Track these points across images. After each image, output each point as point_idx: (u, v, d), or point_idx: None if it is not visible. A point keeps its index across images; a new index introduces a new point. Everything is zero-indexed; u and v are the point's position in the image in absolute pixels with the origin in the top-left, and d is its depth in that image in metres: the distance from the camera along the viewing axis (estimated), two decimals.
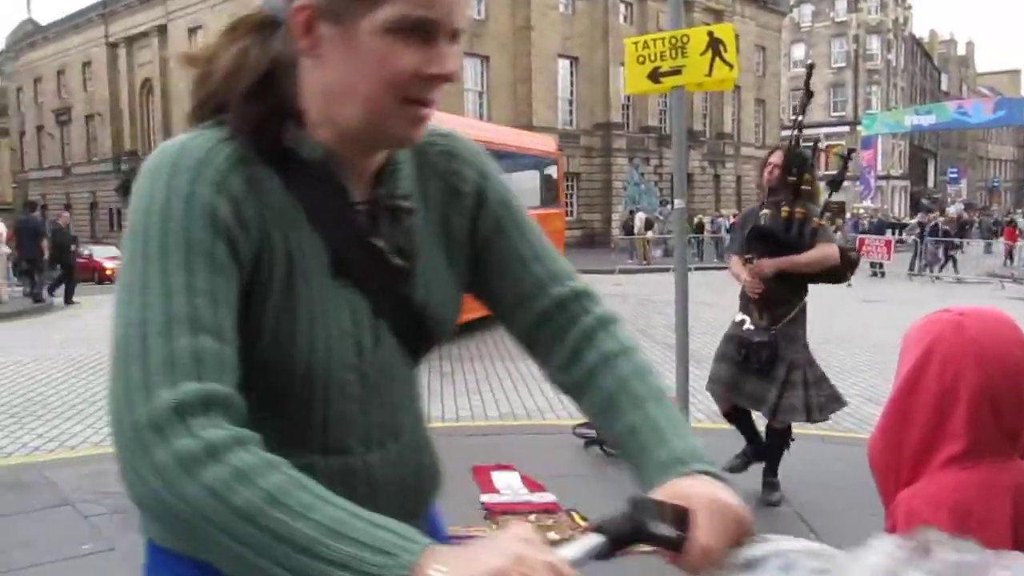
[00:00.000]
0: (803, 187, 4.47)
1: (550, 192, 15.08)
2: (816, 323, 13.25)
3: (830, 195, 4.94)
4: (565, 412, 6.96)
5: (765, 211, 4.51)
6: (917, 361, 1.32)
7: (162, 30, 46.37)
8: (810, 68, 4.96)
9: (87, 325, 13.60)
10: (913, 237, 24.40)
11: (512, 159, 13.16)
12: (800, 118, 4.81)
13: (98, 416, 6.73)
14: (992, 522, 1.24)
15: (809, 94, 4.88)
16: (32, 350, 10.38)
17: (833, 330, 11.86)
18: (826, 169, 62.64)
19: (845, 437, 6.28)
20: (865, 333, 11.73)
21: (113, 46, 50.64)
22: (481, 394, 7.66)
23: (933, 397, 1.30)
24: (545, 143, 15.92)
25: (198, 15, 43.36)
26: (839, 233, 26.39)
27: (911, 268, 23.25)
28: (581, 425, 5.83)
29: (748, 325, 4.55)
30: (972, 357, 1.28)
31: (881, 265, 23.10)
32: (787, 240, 4.41)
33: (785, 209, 4.44)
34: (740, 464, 4.81)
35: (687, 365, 5.38)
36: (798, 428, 6.50)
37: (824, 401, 4.63)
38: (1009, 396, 1.27)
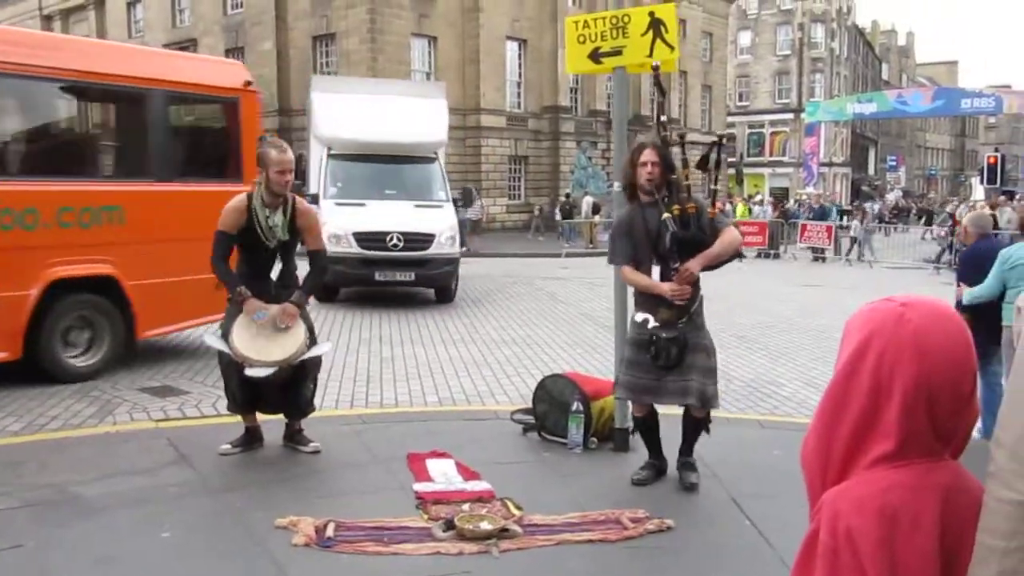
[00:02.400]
0: (684, 182, 4.49)
1: (211, 159, 8.54)
2: (759, 308, 13.37)
3: (714, 179, 4.85)
4: (505, 397, 6.89)
5: (667, 215, 4.38)
6: (853, 353, 1.24)
7: (99, 3, 44.89)
8: (656, 69, 4.84)
9: None
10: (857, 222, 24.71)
11: (134, 99, 7.67)
12: (662, 117, 4.75)
13: (19, 404, 6.44)
14: (921, 526, 1.17)
15: (662, 92, 4.77)
16: None
17: (774, 315, 11.99)
18: (771, 155, 62.52)
19: (783, 422, 6.32)
20: (804, 318, 11.87)
21: (48, 19, 48.88)
22: (420, 379, 7.52)
23: (866, 391, 1.21)
24: (214, 73, 8.38)
25: None
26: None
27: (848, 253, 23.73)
28: (519, 411, 5.76)
29: (652, 323, 4.48)
30: (910, 351, 1.19)
31: (823, 251, 23.47)
32: (699, 238, 4.40)
33: (677, 207, 4.40)
34: (651, 476, 4.72)
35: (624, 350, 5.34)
36: (737, 414, 6.54)
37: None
38: (947, 394, 1.20)
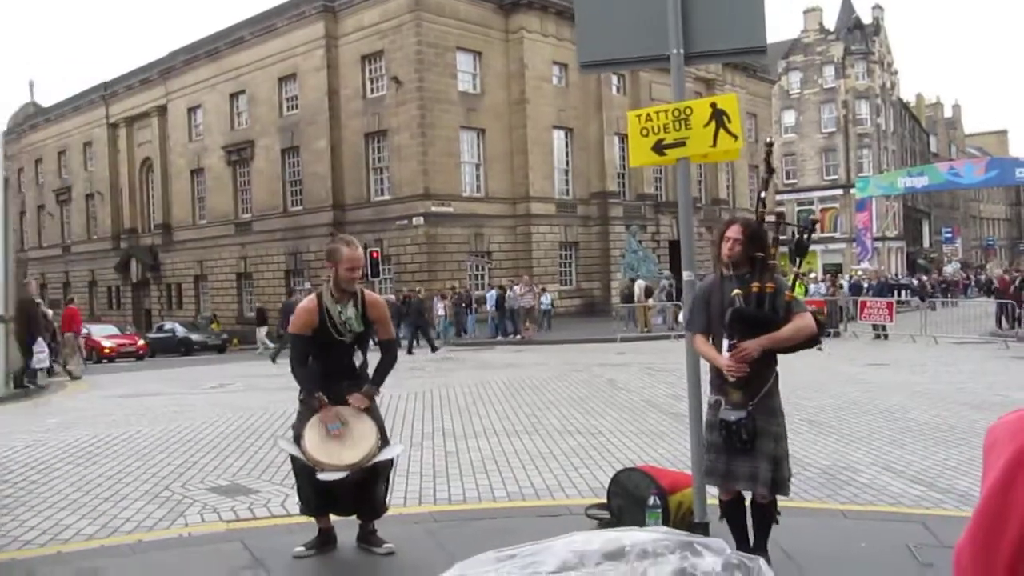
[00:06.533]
0: (769, 261, 4.42)
1: None
2: (825, 390, 13.02)
3: (799, 264, 4.83)
4: (574, 491, 6.75)
5: (737, 291, 4.36)
6: (1009, 462, 1.19)
7: (162, 110, 47.06)
8: (769, 146, 4.84)
9: (84, 407, 13.37)
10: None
11: None
12: (763, 194, 4.73)
13: (93, 506, 6.51)
14: None
15: (770, 170, 4.79)
16: (26, 435, 10.15)
17: (842, 397, 11.68)
18: (822, 231, 61.81)
19: (866, 511, 6.07)
20: (873, 399, 11.53)
21: (114, 126, 51.35)
22: (487, 473, 7.42)
23: None
24: None
25: (197, 95, 44.04)
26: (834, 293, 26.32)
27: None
28: (594, 507, 5.64)
29: (724, 406, 4.39)
30: None
31: (884, 327, 22.98)
32: (764, 317, 4.31)
33: (756, 284, 4.35)
34: None
35: (700, 437, 5.21)
36: (816, 503, 6.32)
37: (789, 475, 4.47)
38: None
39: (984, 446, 1.27)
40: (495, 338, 27.22)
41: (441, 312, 28.38)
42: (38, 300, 18.80)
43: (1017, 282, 25.85)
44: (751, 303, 4.35)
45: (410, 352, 22.74)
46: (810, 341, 4.51)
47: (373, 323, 5.04)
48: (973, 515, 1.24)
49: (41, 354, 16.39)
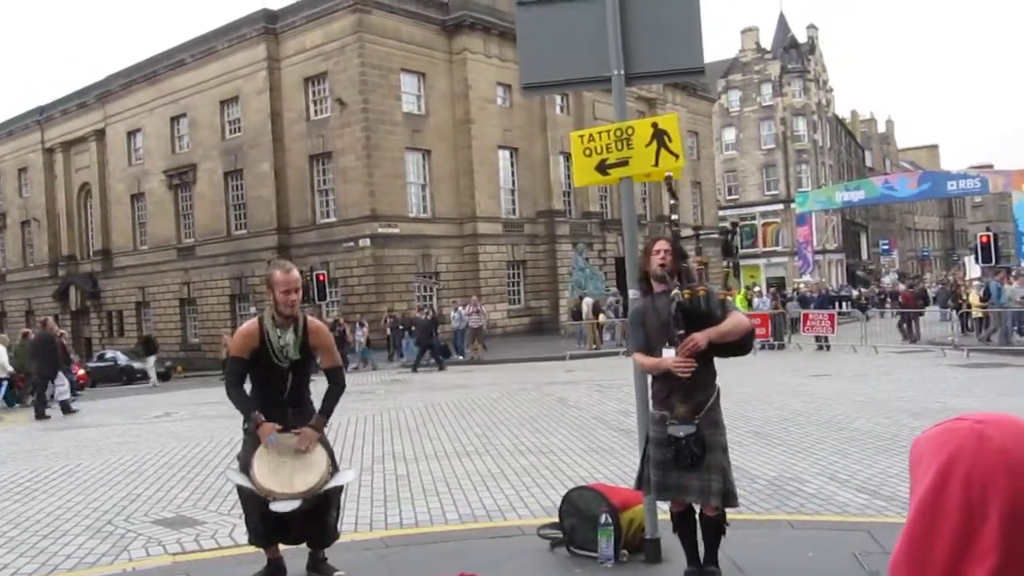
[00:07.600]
0: (695, 267, 4.60)
1: None
2: (771, 402, 13.19)
3: (729, 265, 5.04)
4: (527, 511, 6.75)
5: (676, 291, 4.47)
6: (936, 477, 1.22)
7: (100, 134, 46.15)
8: (668, 180, 4.96)
9: (22, 440, 12.96)
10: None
11: None
12: (674, 216, 4.95)
13: (31, 544, 6.31)
14: None
15: (673, 196, 4.93)
16: None
17: (787, 408, 11.87)
18: (764, 245, 62.97)
19: (813, 521, 6.17)
20: (817, 409, 11.75)
21: (50, 151, 50.19)
22: (439, 496, 7.37)
23: (958, 514, 1.19)
24: None
25: (136, 119, 43.28)
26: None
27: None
28: (546, 526, 5.64)
29: (670, 420, 4.45)
30: (1001, 468, 1.17)
31: (826, 339, 23.45)
32: (706, 314, 4.44)
33: (688, 290, 4.47)
34: None
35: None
36: (765, 514, 6.41)
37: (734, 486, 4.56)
38: None
39: (910, 460, 1.29)
40: (419, 365, 25.70)
41: (361, 339, 28.14)
42: (61, 332, 20.72)
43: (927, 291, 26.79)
44: (692, 304, 4.46)
45: (415, 370, 24.06)
46: (748, 343, 4.67)
47: (315, 350, 4.97)
48: (904, 530, 1.26)
49: (62, 387, 16.67)
